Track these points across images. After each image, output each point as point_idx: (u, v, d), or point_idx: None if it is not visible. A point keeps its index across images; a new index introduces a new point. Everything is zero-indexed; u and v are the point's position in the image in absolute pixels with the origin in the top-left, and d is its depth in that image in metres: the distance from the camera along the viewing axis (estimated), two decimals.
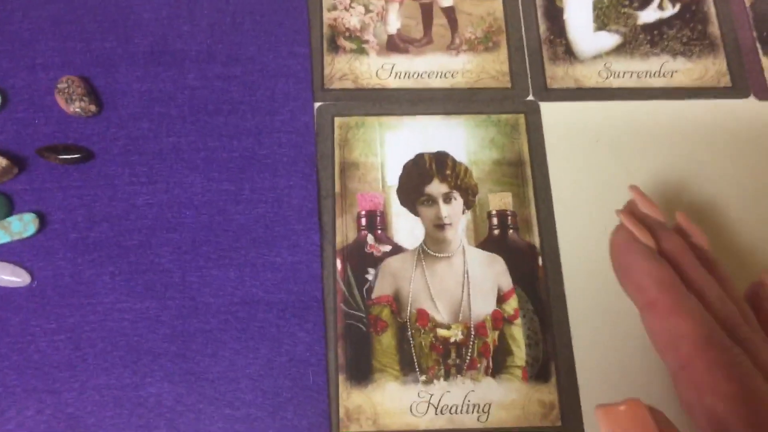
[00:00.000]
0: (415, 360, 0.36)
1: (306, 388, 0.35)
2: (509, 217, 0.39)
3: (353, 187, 0.39)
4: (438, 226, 0.38)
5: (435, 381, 0.35)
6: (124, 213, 0.37)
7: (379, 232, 0.38)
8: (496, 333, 0.36)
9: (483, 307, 0.37)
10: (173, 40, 0.41)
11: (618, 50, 0.43)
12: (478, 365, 0.36)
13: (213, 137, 0.39)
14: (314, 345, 0.35)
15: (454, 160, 0.40)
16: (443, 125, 0.40)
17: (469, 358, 0.36)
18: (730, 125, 0.41)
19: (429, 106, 0.41)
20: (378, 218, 0.38)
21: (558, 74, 0.42)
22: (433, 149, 0.40)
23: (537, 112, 0.41)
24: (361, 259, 0.37)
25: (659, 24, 0.44)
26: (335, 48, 0.42)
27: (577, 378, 0.35)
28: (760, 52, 0.43)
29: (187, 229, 0.37)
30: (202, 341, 0.35)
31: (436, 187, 0.39)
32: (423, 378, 0.35)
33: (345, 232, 0.38)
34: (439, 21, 0.43)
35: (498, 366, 0.36)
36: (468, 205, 0.39)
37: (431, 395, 0.35)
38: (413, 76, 0.42)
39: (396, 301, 0.37)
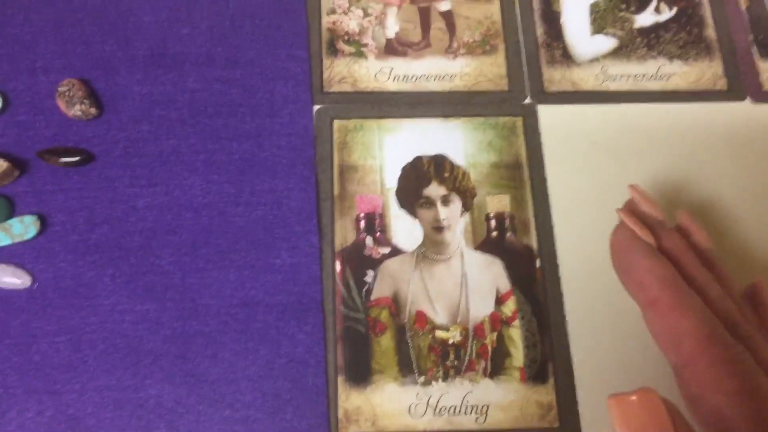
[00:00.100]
0: (414, 361, 0.36)
1: (305, 389, 0.35)
2: (507, 220, 0.39)
3: (352, 189, 0.39)
4: (436, 228, 0.38)
5: (433, 382, 0.35)
6: (125, 215, 0.37)
7: (378, 234, 0.38)
8: (495, 334, 0.36)
9: (481, 308, 0.37)
10: (173, 43, 0.41)
11: (615, 53, 0.43)
12: (477, 366, 0.36)
13: (213, 140, 0.39)
14: (313, 346, 0.35)
15: (452, 163, 0.40)
16: (441, 128, 0.41)
17: (467, 359, 0.36)
18: (726, 128, 0.41)
19: (427, 109, 0.41)
20: (377, 220, 0.38)
21: (555, 77, 0.42)
22: (432, 152, 0.40)
23: (534, 114, 0.41)
24: (360, 261, 0.37)
25: (656, 27, 0.44)
26: (334, 51, 0.42)
27: (575, 379, 0.36)
28: (756, 55, 0.44)
29: (187, 231, 0.37)
30: (201, 343, 0.35)
31: (435, 190, 0.39)
32: (421, 379, 0.35)
33: (344, 234, 0.38)
34: (437, 24, 0.43)
35: (496, 367, 0.36)
36: (466, 207, 0.39)
37: (430, 396, 0.35)
38: (411, 79, 0.42)
39: (395, 303, 0.37)
